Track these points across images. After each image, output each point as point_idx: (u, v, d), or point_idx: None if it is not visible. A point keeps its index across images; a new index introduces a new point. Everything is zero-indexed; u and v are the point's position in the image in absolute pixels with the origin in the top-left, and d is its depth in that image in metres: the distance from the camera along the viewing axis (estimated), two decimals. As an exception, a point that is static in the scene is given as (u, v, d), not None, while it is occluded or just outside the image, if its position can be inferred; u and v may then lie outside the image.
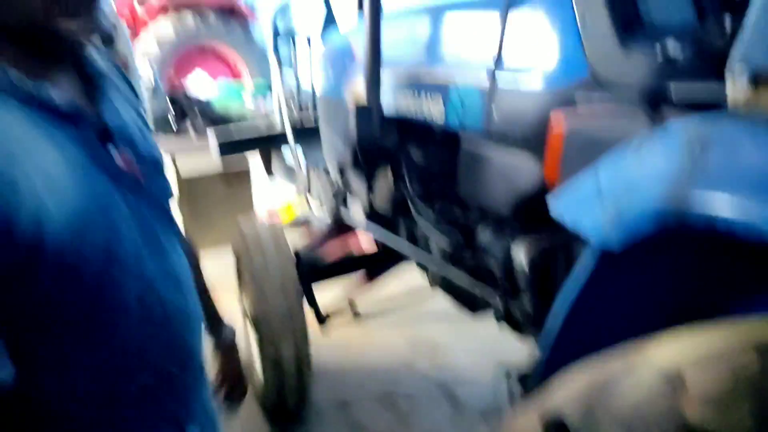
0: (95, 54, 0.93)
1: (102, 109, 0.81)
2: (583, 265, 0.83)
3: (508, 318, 1.48)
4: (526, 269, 1.31)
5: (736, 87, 0.60)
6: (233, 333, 1.28)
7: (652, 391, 0.55)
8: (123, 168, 0.80)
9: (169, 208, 0.93)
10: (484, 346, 2.74)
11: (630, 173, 0.69)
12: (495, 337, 2.77)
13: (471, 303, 1.82)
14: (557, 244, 1.29)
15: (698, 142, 0.59)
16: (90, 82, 0.83)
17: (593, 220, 0.70)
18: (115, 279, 0.75)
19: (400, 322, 2.98)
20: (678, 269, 0.78)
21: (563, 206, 0.78)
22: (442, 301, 2.10)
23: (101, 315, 0.75)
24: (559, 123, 1.00)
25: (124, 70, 1.01)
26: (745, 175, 0.54)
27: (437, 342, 2.87)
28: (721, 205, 0.53)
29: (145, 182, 0.83)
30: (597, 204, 0.70)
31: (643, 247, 0.70)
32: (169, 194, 0.95)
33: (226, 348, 1.26)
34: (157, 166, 0.90)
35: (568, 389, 0.65)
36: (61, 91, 0.75)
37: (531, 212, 1.34)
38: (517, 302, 1.41)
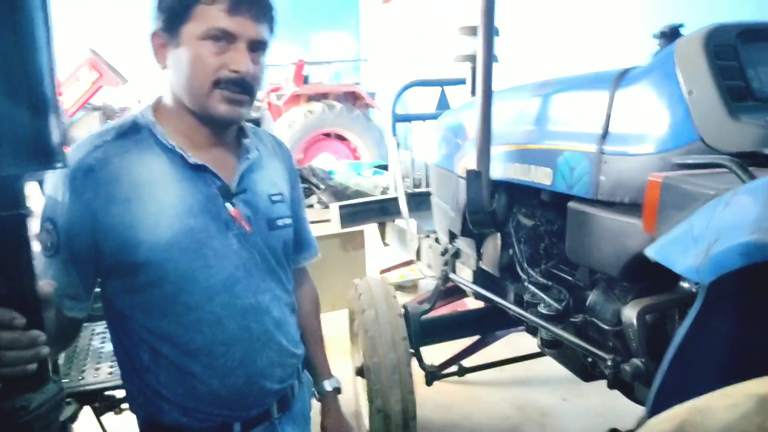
0: (254, 135, 1.19)
1: (236, 177, 1.10)
2: (688, 316, 0.86)
3: (619, 382, 1.45)
4: (637, 330, 1.31)
5: None
6: (338, 383, 1.39)
7: (742, 411, 0.56)
8: (231, 218, 1.07)
9: (272, 256, 1.15)
10: (595, 413, 2.61)
11: (720, 220, 0.74)
12: (606, 404, 2.65)
13: (583, 370, 1.79)
14: (668, 305, 1.29)
15: None
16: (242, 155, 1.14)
17: (686, 258, 0.75)
18: (185, 287, 1.03)
19: (508, 386, 2.94)
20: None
21: (660, 250, 0.83)
22: (551, 367, 2.07)
23: (175, 304, 1.04)
24: (657, 177, 1.06)
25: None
26: None
27: (545, 407, 2.78)
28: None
29: (251, 233, 1.10)
30: (690, 246, 0.75)
31: (744, 292, 0.72)
32: (276, 246, 1.17)
33: (330, 397, 1.38)
34: (270, 224, 1.14)
35: (664, 417, 0.68)
36: (206, 156, 1.08)
37: (640, 274, 1.35)
38: (628, 365, 1.39)
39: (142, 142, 1.05)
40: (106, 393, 1.76)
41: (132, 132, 1.06)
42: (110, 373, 1.77)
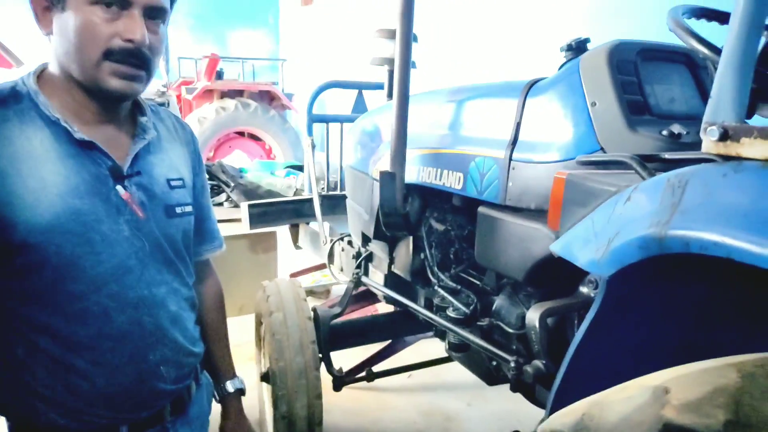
0: (153, 115, 1.11)
1: (129, 157, 1.02)
2: (587, 316, 0.89)
3: (521, 385, 1.49)
4: (539, 332, 1.35)
5: (709, 144, 0.69)
6: (241, 384, 1.32)
7: (639, 402, 0.58)
8: (123, 201, 0.99)
9: (169, 246, 1.07)
10: (498, 418, 2.70)
11: (621, 215, 0.77)
12: (509, 408, 2.74)
13: (488, 374, 1.82)
14: (568, 309, 1.34)
15: (678, 184, 0.68)
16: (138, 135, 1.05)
17: (588, 252, 0.78)
18: (68, 275, 0.94)
19: (415, 391, 2.97)
20: (679, 310, 0.83)
21: (563, 245, 0.85)
22: (458, 373, 2.10)
23: (57, 293, 0.95)
24: (561, 174, 1.10)
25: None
26: (715, 205, 0.62)
27: (451, 413, 2.83)
28: (695, 229, 0.60)
29: (145, 220, 1.02)
30: (592, 240, 0.78)
31: (643, 288, 0.76)
32: (174, 235, 1.09)
33: (231, 398, 1.31)
34: (168, 211, 1.07)
35: (565, 412, 0.69)
36: (95, 133, 0.99)
37: (544, 278, 1.39)
38: (530, 366, 1.43)
39: (23, 113, 0.94)
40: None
41: (12, 100, 0.95)
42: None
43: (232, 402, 1.31)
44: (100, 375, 0.99)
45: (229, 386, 1.30)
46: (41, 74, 1.01)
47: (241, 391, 1.32)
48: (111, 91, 0.96)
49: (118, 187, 0.99)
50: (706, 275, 0.69)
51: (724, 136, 0.65)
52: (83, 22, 0.91)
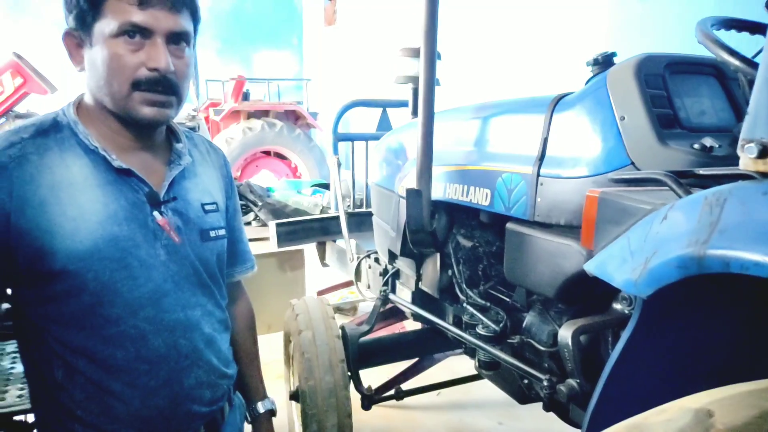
0: (188, 140, 1.14)
1: (165, 183, 1.04)
2: (623, 335, 0.87)
3: (554, 404, 1.46)
4: (572, 350, 1.32)
5: (746, 161, 0.67)
6: (272, 405, 1.33)
7: (680, 425, 0.57)
8: (159, 227, 1.01)
9: (204, 269, 1.08)
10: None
11: (657, 234, 0.76)
12: (541, 427, 2.68)
13: (519, 392, 1.79)
14: (602, 326, 1.31)
15: (716, 203, 0.66)
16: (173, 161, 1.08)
17: (624, 272, 0.76)
18: (106, 299, 0.96)
19: (445, 409, 2.93)
20: (717, 330, 0.81)
21: (598, 264, 0.84)
22: (488, 390, 2.07)
23: (95, 317, 0.97)
24: (594, 193, 1.08)
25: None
26: (755, 223, 0.60)
27: (481, 430, 2.78)
28: (735, 248, 0.58)
29: (181, 245, 1.04)
30: (628, 260, 0.76)
31: (680, 307, 0.74)
32: (209, 259, 1.10)
33: (263, 419, 1.32)
34: (203, 235, 1.08)
35: (604, 435, 0.67)
36: (132, 160, 1.02)
37: (576, 295, 1.37)
38: (564, 385, 1.40)
39: (63, 142, 0.97)
40: (15, 418, 1.61)
41: (53, 130, 0.98)
42: (20, 396, 1.62)
43: (263, 423, 1.32)
44: (136, 397, 1.00)
45: (260, 407, 1.31)
46: (79, 105, 1.04)
47: (272, 412, 1.33)
48: (143, 119, 0.99)
49: (155, 213, 1.01)
50: (745, 295, 0.67)
51: (763, 153, 0.63)
52: (110, 55, 0.94)
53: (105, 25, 0.94)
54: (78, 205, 0.94)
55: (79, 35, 0.97)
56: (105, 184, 0.97)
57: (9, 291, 1.02)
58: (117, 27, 0.93)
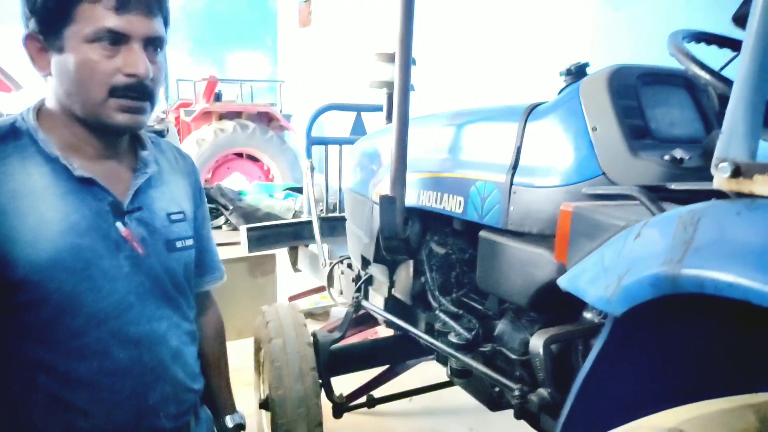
0: (154, 147, 1.10)
1: (130, 192, 1.01)
2: (594, 347, 0.87)
3: (525, 412, 1.46)
4: (543, 360, 1.32)
5: (720, 180, 0.67)
6: (241, 419, 1.30)
7: (654, 447, 0.56)
8: (122, 238, 0.98)
9: (170, 281, 1.06)
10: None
11: (631, 252, 0.76)
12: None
13: (491, 399, 1.79)
14: (573, 335, 1.31)
15: (690, 221, 0.66)
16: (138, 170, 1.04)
17: (597, 289, 0.76)
18: (68, 311, 0.93)
19: (417, 416, 2.92)
20: (689, 346, 0.82)
21: (571, 280, 0.83)
22: (460, 397, 2.07)
23: (57, 329, 0.94)
24: (568, 207, 1.09)
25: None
26: (729, 244, 0.60)
27: (454, 439, 2.77)
28: (709, 268, 0.58)
29: (145, 256, 1.01)
30: (602, 276, 0.76)
31: (651, 323, 0.74)
32: (175, 269, 1.07)
33: None
34: (169, 246, 1.05)
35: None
36: (96, 169, 0.98)
37: (548, 304, 1.37)
38: (535, 395, 1.40)
39: (23, 149, 0.94)
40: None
41: (11, 137, 0.95)
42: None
43: None
44: (99, 412, 0.97)
45: (229, 421, 1.28)
46: (40, 110, 1.00)
47: (241, 426, 1.29)
48: (116, 126, 0.96)
49: (118, 224, 0.98)
50: (716, 311, 0.67)
51: (736, 172, 0.64)
52: (84, 61, 0.91)
53: (77, 30, 0.90)
54: (39, 214, 0.91)
55: (42, 39, 0.93)
56: (67, 193, 0.94)
57: None
58: (93, 32, 0.90)
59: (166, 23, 1.00)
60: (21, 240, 0.89)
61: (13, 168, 0.92)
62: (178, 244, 1.07)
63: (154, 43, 0.96)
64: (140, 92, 0.95)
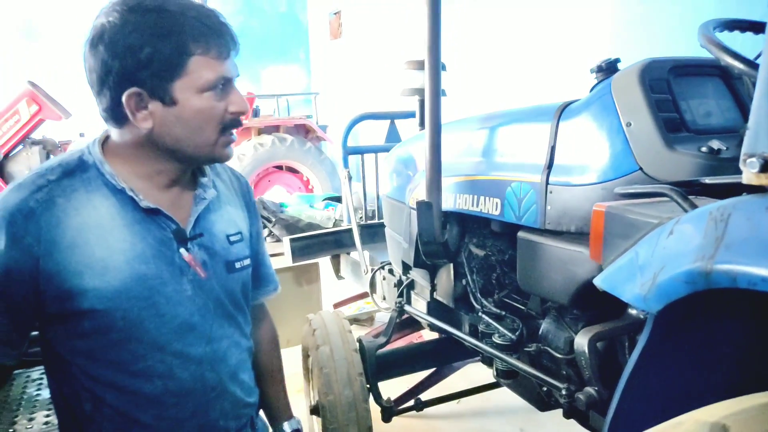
0: (211, 171, 1.16)
1: (192, 219, 1.05)
2: (638, 344, 0.88)
3: (574, 411, 1.45)
4: (589, 358, 1.32)
5: (749, 175, 0.68)
6: (298, 425, 1.34)
7: (697, 441, 0.57)
8: (185, 263, 1.03)
9: (229, 300, 1.10)
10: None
11: (665, 249, 0.76)
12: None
13: (539, 399, 1.79)
14: (617, 332, 1.31)
15: (720, 218, 0.67)
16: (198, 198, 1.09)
17: (633, 288, 0.77)
18: (133, 336, 0.98)
19: (466, 417, 2.92)
20: (729, 342, 0.81)
21: (607, 278, 0.84)
22: (508, 397, 2.07)
23: (122, 353, 0.99)
24: (600, 207, 1.09)
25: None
26: (760, 238, 0.60)
27: (504, 441, 2.76)
28: (741, 263, 0.59)
29: (207, 278, 1.05)
30: (637, 274, 0.77)
31: (691, 320, 0.74)
32: (234, 289, 1.12)
33: None
34: (228, 267, 1.10)
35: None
36: (160, 198, 1.03)
37: (590, 302, 1.37)
38: (582, 393, 1.40)
39: (89, 182, 0.98)
40: (42, 446, 1.63)
41: (78, 170, 0.99)
42: (46, 423, 1.65)
43: None
44: (164, 429, 1.02)
45: (287, 427, 1.32)
46: (104, 142, 1.05)
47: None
48: (224, 159, 1.05)
49: (182, 250, 1.03)
50: (755, 307, 0.67)
51: (765, 167, 0.64)
52: (200, 109, 0.97)
53: (190, 82, 0.95)
54: (106, 245, 0.96)
55: (145, 95, 0.95)
56: (132, 223, 0.99)
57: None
58: (208, 82, 0.96)
59: None
60: (89, 272, 0.93)
61: (80, 201, 0.96)
62: (237, 265, 1.12)
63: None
64: (239, 126, 1.04)
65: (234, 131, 1.04)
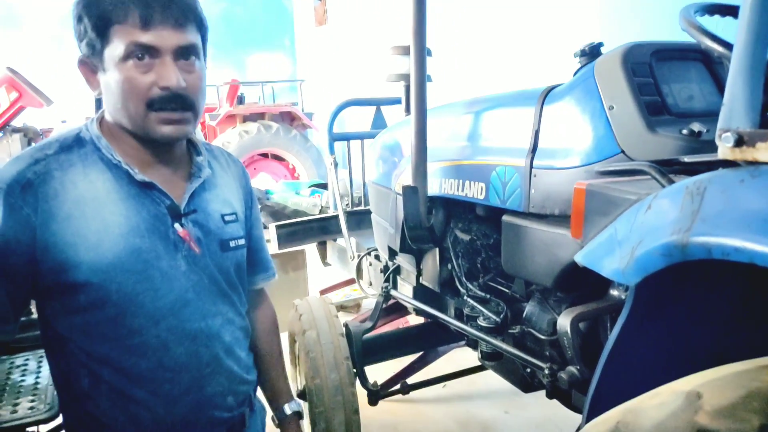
0: (207, 152, 1.15)
1: (186, 196, 1.06)
2: (618, 321, 0.90)
3: (557, 391, 1.48)
4: (571, 338, 1.34)
5: (725, 150, 0.69)
6: (299, 406, 1.35)
7: (672, 408, 0.59)
8: (180, 239, 1.03)
9: (224, 278, 1.10)
10: (536, 425, 2.67)
11: (643, 224, 0.78)
12: (546, 414, 2.71)
13: (523, 381, 1.82)
14: (599, 312, 1.33)
15: (696, 191, 0.68)
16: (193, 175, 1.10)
17: (612, 262, 0.78)
18: (128, 310, 0.98)
19: (451, 401, 2.97)
20: (708, 313, 0.83)
21: (587, 255, 0.86)
22: (493, 380, 2.10)
23: (118, 327, 1.00)
24: (581, 185, 1.11)
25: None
26: (734, 210, 0.62)
27: (488, 421, 2.82)
28: (716, 235, 0.61)
29: (201, 255, 1.06)
30: (616, 249, 0.79)
31: (671, 293, 0.76)
32: (229, 268, 1.12)
33: (290, 421, 1.34)
34: (222, 245, 1.10)
35: (599, 421, 0.70)
36: (154, 174, 1.03)
37: (573, 283, 1.39)
38: (564, 372, 1.42)
39: (86, 157, 1.00)
40: (28, 430, 1.63)
41: (76, 146, 1.01)
42: (31, 408, 1.65)
43: (290, 424, 1.33)
44: (160, 405, 1.03)
45: (287, 409, 1.32)
46: (101, 120, 1.06)
47: (298, 414, 1.34)
48: (161, 138, 1.00)
49: (176, 225, 1.03)
50: (732, 279, 0.69)
51: (740, 141, 0.65)
52: (122, 78, 0.96)
53: (113, 50, 0.95)
54: (101, 218, 0.96)
55: (91, 62, 0.99)
56: (127, 197, 0.99)
57: (33, 304, 1.05)
58: (124, 50, 0.94)
59: (202, 28, 1.02)
60: (85, 244, 0.94)
61: (77, 176, 0.97)
62: (232, 244, 1.12)
63: (187, 52, 0.99)
64: (178, 103, 0.98)
65: (172, 108, 0.97)
